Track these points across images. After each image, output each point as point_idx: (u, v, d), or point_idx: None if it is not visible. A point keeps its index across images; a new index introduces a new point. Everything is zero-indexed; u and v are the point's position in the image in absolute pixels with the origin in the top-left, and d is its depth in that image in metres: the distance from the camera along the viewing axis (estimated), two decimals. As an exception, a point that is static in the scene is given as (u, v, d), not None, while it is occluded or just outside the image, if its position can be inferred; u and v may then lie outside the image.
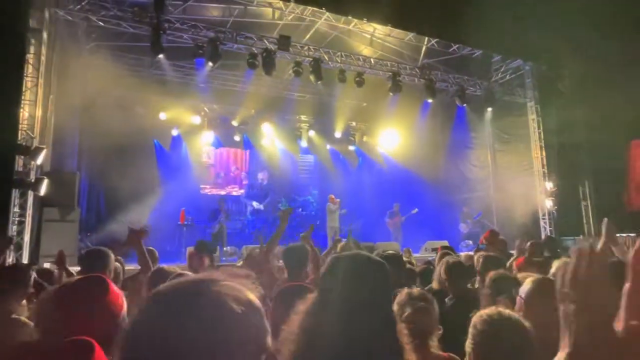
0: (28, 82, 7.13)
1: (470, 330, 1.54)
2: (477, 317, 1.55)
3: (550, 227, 11.29)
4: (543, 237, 10.50)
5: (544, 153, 11.63)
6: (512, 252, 5.27)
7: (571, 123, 10.49)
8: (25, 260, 6.71)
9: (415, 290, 2.09)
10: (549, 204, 11.37)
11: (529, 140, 11.95)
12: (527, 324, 1.49)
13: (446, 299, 2.89)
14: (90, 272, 2.04)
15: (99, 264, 2.65)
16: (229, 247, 10.32)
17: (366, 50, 11.80)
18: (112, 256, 2.87)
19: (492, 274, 2.58)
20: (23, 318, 2.33)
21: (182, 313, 0.61)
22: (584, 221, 10.84)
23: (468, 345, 1.53)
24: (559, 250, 5.71)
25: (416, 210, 12.41)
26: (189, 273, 2.48)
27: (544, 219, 11.40)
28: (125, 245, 3.15)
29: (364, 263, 1.24)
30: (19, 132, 6.89)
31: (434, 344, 1.85)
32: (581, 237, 6.81)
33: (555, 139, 11.34)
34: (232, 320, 0.62)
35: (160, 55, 8.47)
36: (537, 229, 11.15)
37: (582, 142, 10.29)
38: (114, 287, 1.33)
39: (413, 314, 1.84)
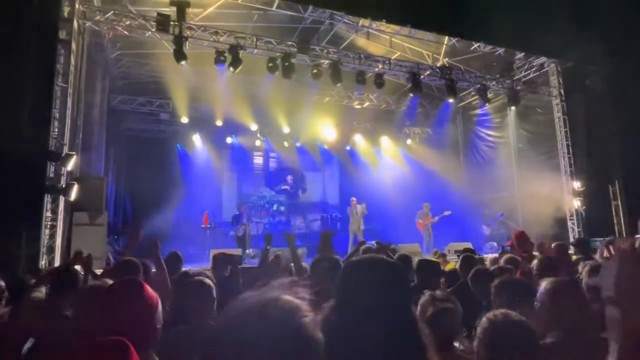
0: (58, 91, 7.40)
1: (478, 331, 1.57)
2: (484, 320, 1.58)
3: (578, 227, 10.94)
4: (571, 238, 10.19)
5: (570, 152, 11.31)
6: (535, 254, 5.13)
7: (600, 120, 10.14)
8: (57, 263, 6.95)
9: (439, 292, 2.07)
10: (576, 204, 11.03)
11: (554, 139, 11.62)
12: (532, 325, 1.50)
13: None
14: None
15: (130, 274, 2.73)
16: (250, 250, 10.42)
17: (386, 52, 11.74)
18: (141, 267, 2.97)
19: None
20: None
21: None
22: (614, 221, 10.46)
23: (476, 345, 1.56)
24: (589, 252, 5.50)
25: (449, 212, 11.88)
26: (206, 278, 2.53)
27: (571, 219, 11.07)
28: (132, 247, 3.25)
29: (376, 266, 1.23)
30: (50, 139, 7.17)
31: (457, 346, 1.83)
32: (610, 237, 6.51)
33: (582, 137, 10.98)
34: (301, 329, 0.74)
35: (183, 62, 8.64)
36: (564, 229, 10.82)
37: (612, 140, 9.91)
38: (149, 289, 1.42)
39: (434, 315, 1.83)
